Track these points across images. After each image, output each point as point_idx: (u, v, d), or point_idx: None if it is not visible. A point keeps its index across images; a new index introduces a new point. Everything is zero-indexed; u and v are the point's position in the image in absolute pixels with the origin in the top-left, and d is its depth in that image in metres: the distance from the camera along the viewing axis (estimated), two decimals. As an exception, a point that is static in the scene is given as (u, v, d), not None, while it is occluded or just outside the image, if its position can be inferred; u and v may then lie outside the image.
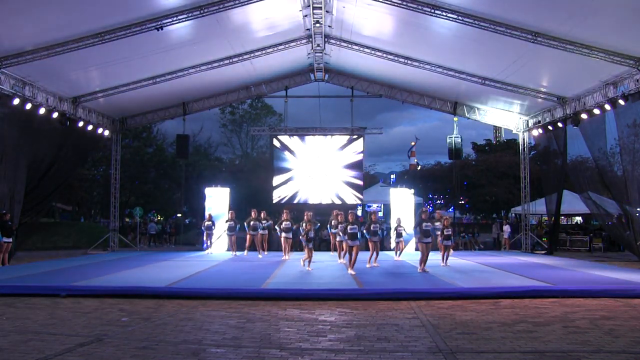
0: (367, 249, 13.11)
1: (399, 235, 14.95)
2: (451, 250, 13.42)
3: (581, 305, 7.96)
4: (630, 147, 14.58)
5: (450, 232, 13.02)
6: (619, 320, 6.83)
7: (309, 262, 12.21)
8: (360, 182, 21.08)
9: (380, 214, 38.04)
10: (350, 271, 11.06)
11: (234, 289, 9.28)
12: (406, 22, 13.86)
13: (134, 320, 6.88)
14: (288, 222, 15.03)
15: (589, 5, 10.90)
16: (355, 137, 20.75)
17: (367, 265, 12.56)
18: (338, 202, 20.78)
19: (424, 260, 11.62)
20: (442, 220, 12.97)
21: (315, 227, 13.51)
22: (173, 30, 13.04)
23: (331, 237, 16.03)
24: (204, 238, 17.84)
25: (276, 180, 21.01)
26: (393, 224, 15.77)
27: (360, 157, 20.96)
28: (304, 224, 12.65)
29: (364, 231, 12.20)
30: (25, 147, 14.82)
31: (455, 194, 31.00)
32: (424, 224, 11.72)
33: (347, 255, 11.65)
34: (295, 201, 20.78)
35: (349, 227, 11.38)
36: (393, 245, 16.03)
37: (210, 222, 17.52)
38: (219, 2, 12.26)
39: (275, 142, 21.28)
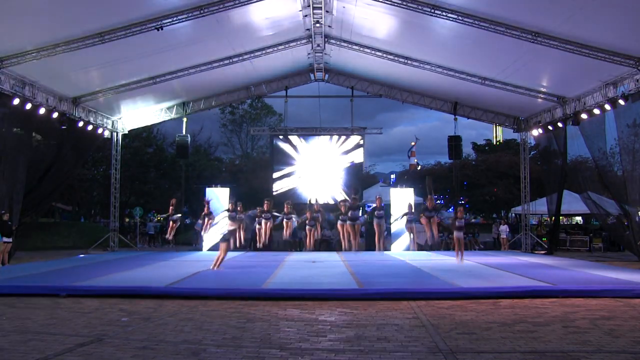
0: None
1: (409, 221, 14.22)
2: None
3: (581, 305, 7.95)
4: (630, 147, 14.59)
5: (462, 224, 12.55)
6: (619, 320, 6.83)
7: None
8: (360, 182, 21.09)
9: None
10: (354, 250, 10.72)
11: (234, 289, 9.27)
12: (406, 22, 13.86)
13: (134, 320, 6.88)
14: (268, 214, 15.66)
15: (589, 5, 10.89)
16: (355, 137, 20.75)
17: (376, 250, 12.37)
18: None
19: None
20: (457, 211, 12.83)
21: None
22: (173, 30, 13.03)
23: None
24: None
25: (276, 180, 21.01)
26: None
27: (360, 157, 20.97)
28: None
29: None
30: (25, 147, 14.82)
31: (455, 194, 30.99)
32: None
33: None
34: (295, 201, 20.78)
35: (350, 213, 10.92)
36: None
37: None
38: (219, 2, 12.27)
39: (275, 142, 21.28)
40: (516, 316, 7.10)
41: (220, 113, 39.27)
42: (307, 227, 16.14)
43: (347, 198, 12.74)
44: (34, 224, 17.03)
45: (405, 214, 14.74)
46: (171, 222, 16.88)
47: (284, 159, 20.99)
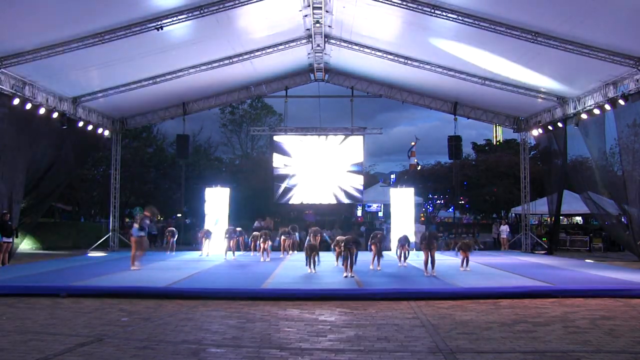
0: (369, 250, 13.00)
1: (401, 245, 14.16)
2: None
3: (581, 305, 7.96)
4: (630, 147, 14.56)
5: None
6: (619, 320, 6.83)
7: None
8: (360, 182, 21.07)
9: (380, 213, 37.99)
10: (346, 274, 10.64)
11: (234, 289, 9.28)
12: (406, 22, 13.86)
13: (134, 320, 6.88)
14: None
15: (589, 5, 10.90)
16: (355, 137, 20.73)
17: (371, 267, 12.35)
18: (338, 202, 20.80)
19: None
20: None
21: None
22: (173, 30, 13.02)
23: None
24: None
25: (276, 180, 20.99)
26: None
27: (360, 157, 20.96)
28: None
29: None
30: (25, 147, 14.81)
31: (455, 194, 31.01)
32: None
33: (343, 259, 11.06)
34: (296, 201, 20.78)
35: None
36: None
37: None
38: (219, 2, 12.26)
39: (275, 142, 21.27)
40: (516, 316, 7.11)
41: (220, 113, 39.25)
42: (282, 237, 16.58)
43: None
44: (34, 224, 17.00)
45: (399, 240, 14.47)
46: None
47: (284, 160, 20.92)
